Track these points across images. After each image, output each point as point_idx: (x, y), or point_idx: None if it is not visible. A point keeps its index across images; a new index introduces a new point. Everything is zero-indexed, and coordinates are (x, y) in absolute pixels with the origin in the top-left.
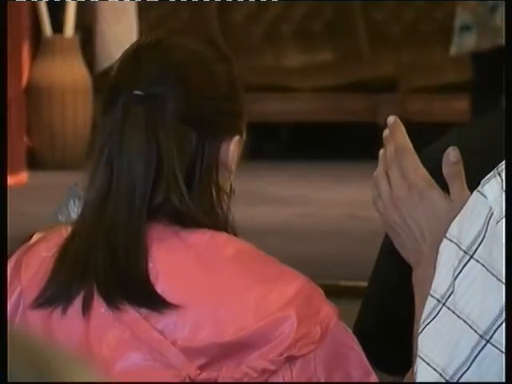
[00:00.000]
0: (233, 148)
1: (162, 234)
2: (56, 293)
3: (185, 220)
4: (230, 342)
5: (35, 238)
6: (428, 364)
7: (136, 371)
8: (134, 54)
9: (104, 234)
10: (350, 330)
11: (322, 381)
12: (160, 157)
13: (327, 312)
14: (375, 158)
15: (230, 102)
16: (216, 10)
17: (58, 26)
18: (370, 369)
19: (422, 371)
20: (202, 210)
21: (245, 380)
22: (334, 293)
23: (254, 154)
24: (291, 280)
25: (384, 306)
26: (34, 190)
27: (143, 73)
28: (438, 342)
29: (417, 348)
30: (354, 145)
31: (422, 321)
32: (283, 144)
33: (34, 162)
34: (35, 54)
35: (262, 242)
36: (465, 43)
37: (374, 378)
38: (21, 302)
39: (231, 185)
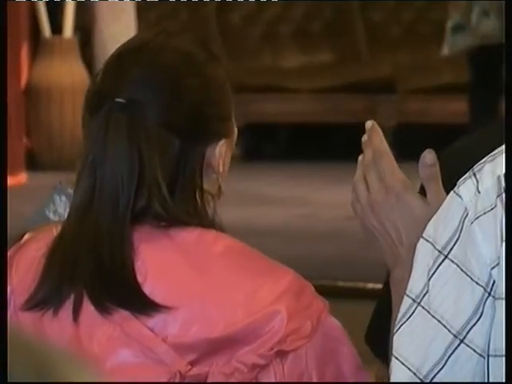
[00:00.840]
0: (219, 151)
1: (150, 234)
2: (46, 295)
3: (170, 221)
4: (220, 338)
5: (26, 237)
6: (402, 363)
7: (126, 368)
8: (117, 58)
9: (89, 238)
10: (340, 325)
11: (314, 375)
12: (142, 163)
13: (317, 306)
14: None
15: (216, 106)
16: (214, 11)
17: (56, 26)
18: (361, 363)
19: (396, 370)
20: (186, 213)
21: (235, 374)
22: (331, 293)
23: (252, 154)
24: (281, 275)
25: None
26: (32, 191)
27: (126, 79)
28: (412, 342)
29: (392, 347)
30: (353, 146)
31: (397, 320)
32: (281, 145)
33: (33, 163)
34: (34, 54)
35: (259, 243)
36: (457, 43)
37: (365, 372)
38: (11, 302)
39: (219, 186)
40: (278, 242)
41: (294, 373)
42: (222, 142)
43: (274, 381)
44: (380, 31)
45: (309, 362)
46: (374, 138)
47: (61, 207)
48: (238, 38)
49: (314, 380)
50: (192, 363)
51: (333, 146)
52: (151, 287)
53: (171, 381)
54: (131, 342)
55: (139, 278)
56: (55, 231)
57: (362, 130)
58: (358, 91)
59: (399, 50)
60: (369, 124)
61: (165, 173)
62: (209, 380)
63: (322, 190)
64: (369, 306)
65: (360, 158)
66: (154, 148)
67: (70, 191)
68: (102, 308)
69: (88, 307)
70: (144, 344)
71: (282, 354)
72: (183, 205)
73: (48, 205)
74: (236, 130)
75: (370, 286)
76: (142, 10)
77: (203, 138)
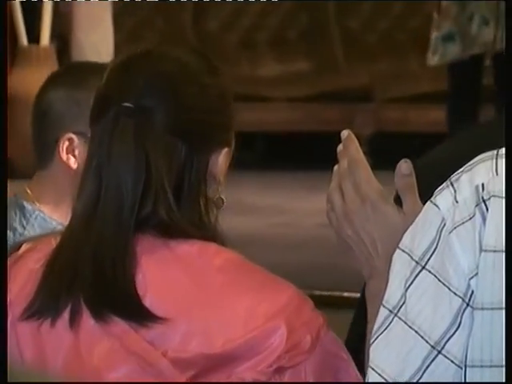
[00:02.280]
0: (222, 160)
1: (151, 246)
2: (44, 305)
3: (173, 231)
4: (220, 354)
5: (23, 248)
6: (379, 374)
7: (127, 383)
8: (123, 65)
9: (92, 246)
10: (339, 340)
11: None
12: (149, 169)
13: (317, 321)
14: None
15: (219, 114)
16: (191, 19)
17: (33, 35)
18: (360, 377)
19: (372, 381)
20: (191, 222)
21: None
22: None
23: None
24: (281, 290)
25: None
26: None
27: (133, 84)
28: (389, 353)
29: (368, 359)
30: (330, 154)
31: (373, 331)
32: (258, 154)
33: (11, 171)
34: (11, 63)
35: (237, 252)
36: (448, 53)
37: None
38: (9, 314)
39: (220, 196)
40: (255, 250)
41: None
42: (225, 151)
43: None
44: (357, 39)
45: (308, 378)
46: (350, 147)
47: (16, 222)
48: (215, 47)
49: None
50: (191, 378)
51: (310, 154)
52: (151, 300)
53: None
54: (130, 357)
55: (140, 291)
56: (54, 242)
57: (338, 139)
58: (335, 100)
59: (376, 59)
60: (344, 133)
61: (170, 180)
62: None
63: (299, 199)
64: (345, 315)
65: (335, 167)
66: (160, 154)
67: (25, 204)
68: (101, 318)
69: (87, 320)
70: (144, 358)
71: (281, 371)
72: (188, 213)
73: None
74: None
75: (347, 294)
76: (118, 19)
77: (208, 145)
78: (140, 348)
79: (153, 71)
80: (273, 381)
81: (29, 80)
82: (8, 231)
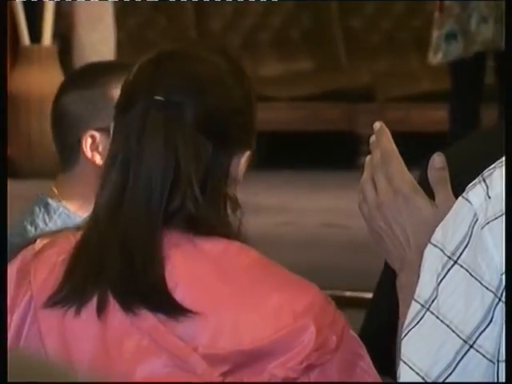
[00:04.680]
0: (243, 163)
1: (177, 241)
2: (70, 293)
3: (199, 227)
4: (251, 350)
5: (39, 243)
6: (411, 368)
7: (157, 378)
8: (153, 61)
9: (119, 238)
10: (360, 340)
11: None
12: (178, 163)
13: (341, 321)
14: (352, 167)
15: (244, 116)
16: (194, 19)
17: (35, 35)
18: (377, 375)
19: (404, 375)
20: (216, 218)
21: None
22: None
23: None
24: (306, 289)
25: (389, 313)
26: (11, 199)
27: (163, 80)
28: (421, 347)
29: (400, 352)
30: (332, 154)
31: (405, 325)
32: (260, 153)
33: (12, 172)
34: (13, 62)
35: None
36: (451, 51)
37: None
38: (31, 307)
39: (236, 198)
40: (259, 249)
41: None
42: (247, 154)
43: None
44: (359, 39)
45: (332, 377)
46: (382, 139)
47: (39, 218)
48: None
49: None
50: (224, 374)
51: (312, 154)
52: (182, 294)
53: None
54: (161, 352)
55: (170, 284)
56: (73, 238)
57: (340, 138)
58: (337, 99)
59: (378, 58)
60: (377, 125)
61: (197, 176)
62: None
63: (300, 198)
64: (347, 315)
65: (367, 158)
66: (189, 149)
67: (50, 201)
68: (130, 310)
69: (115, 312)
70: (175, 353)
71: (310, 368)
72: (213, 210)
73: (27, 216)
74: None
75: (349, 294)
76: (120, 18)
77: (232, 146)
78: (170, 343)
79: (183, 69)
80: (301, 379)
81: (30, 79)
82: (30, 227)
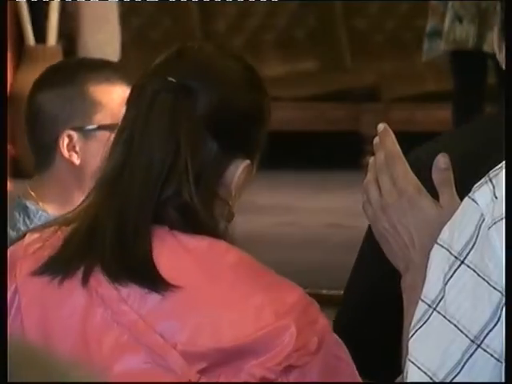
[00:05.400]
0: (240, 172)
1: (163, 236)
2: (57, 263)
3: (187, 221)
4: (230, 348)
5: (28, 238)
6: (419, 368)
7: (135, 374)
8: (177, 51)
9: (116, 209)
10: (342, 343)
11: None
12: (178, 148)
13: (323, 323)
14: (357, 167)
15: (254, 124)
16: (198, 19)
17: (40, 35)
18: (360, 379)
19: (412, 375)
20: (205, 215)
21: None
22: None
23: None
24: (289, 290)
25: (364, 299)
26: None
27: (181, 66)
28: (428, 347)
29: (407, 352)
30: (336, 154)
31: (412, 325)
32: (264, 153)
33: (17, 171)
34: (18, 62)
35: (243, 251)
36: (433, 49)
37: None
38: (15, 300)
39: (231, 210)
40: (260, 249)
41: None
42: (246, 163)
43: None
44: (364, 39)
45: (312, 379)
46: (387, 141)
47: (20, 223)
48: (222, 47)
49: None
50: (201, 372)
51: (316, 154)
52: None
53: None
54: (140, 348)
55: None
56: (60, 233)
57: (345, 138)
58: (342, 99)
59: (383, 58)
60: (381, 127)
61: (194, 166)
62: None
63: (304, 198)
64: None
65: (371, 160)
66: (191, 138)
67: (29, 204)
68: (116, 280)
69: (97, 308)
70: (154, 350)
71: (289, 370)
72: (203, 206)
73: (9, 221)
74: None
75: None
76: (125, 19)
77: (233, 149)
78: (150, 339)
79: (202, 59)
80: (280, 380)
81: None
82: (12, 232)
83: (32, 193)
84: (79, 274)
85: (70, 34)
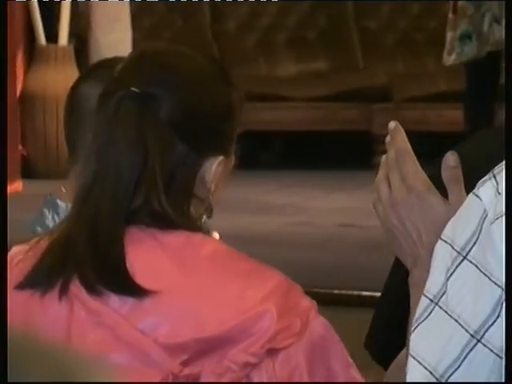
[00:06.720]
0: (215, 168)
1: (138, 237)
2: (38, 277)
3: (162, 222)
4: (211, 337)
5: (14, 251)
6: (419, 362)
7: (119, 372)
8: (138, 55)
9: (87, 221)
10: (329, 323)
11: (305, 373)
12: (146, 157)
13: (306, 305)
14: (369, 167)
15: (222, 122)
16: (209, 19)
17: (52, 35)
18: (351, 360)
19: (412, 369)
20: (179, 216)
21: (227, 374)
22: (327, 301)
23: (247, 163)
24: (269, 276)
25: (396, 313)
26: (28, 199)
27: (143, 72)
28: (429, 342)
29: (409, 347)
30: (348, 154)
31: (414, 320)
32: (276, 153)
33: (29, 171)
34: (29, 62)
35: (254, 251)
36: (465, 52)
37: (354, 369)
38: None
39: (210, 206)
40: (272, 249)
41: (285, 370)
42: (220, 159)
43: (265, 379)
44: (375, 39)
45: (299, 360)
46: (397, 138)
47: (48, 220)
48: (233, 47)
49: (305, 377)
50: (184, 363)
51: (328, 154)
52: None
53: (163, 381)
54: (122, 347)
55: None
56: (43, 243)
57: (356, 138)
58: (354, 99)
59: (395, 58)
60: (392, 125)
61: (163, 172)
62: (201, 380)
63: (316, 198)
64: (364, 314)
65: (383, 157)
66: (159, 145)
67: (59, 202)
68: (93, 291)
69: (79, 311)
70: (136, 347)
71: (272, 353)
72: (177, 208)
73: (37, 218)
74: (233, 157)
75: (365, 293)
76: (136, 19)
77: (204, 149)
78: (131, 337)
79: (165, 64)
80: (264, 364)
81: (47, 79)
82: (40, 229)
83: (64, 190)
84: (59, 286)
85: (81, 33)
